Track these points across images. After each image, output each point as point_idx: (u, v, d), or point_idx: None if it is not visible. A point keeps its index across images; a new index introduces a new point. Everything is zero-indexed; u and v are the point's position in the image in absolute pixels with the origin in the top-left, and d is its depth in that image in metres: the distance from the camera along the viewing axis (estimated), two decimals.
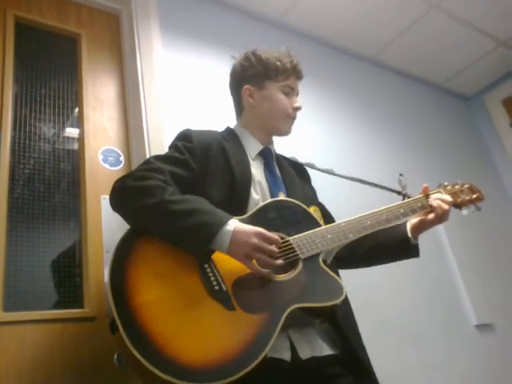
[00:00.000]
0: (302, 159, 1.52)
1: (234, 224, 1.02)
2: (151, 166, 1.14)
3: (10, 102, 1.54)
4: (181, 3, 2.15)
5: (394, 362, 1.91)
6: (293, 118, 1.36)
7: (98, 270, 1.45)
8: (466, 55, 3.02)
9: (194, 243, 1.01)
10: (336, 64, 2.71)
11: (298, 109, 1.35)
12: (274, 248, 1.02)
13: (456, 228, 2.49)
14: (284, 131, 1.37)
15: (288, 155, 1.50)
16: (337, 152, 2.35)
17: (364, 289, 1.73)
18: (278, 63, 1.32)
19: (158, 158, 1.19)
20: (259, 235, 1.01)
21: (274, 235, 1.04)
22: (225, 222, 1.01)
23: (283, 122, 1.34)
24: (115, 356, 1.32)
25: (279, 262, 1.04)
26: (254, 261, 1.02)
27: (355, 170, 2.22)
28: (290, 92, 1.34)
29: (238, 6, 2.35)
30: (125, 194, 1.09)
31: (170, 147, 1.26)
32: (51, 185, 1.54)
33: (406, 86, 3.09)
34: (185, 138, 1.24)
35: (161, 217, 1.03)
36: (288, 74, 1.33)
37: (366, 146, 2.53)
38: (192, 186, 1.15)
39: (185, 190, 1.12)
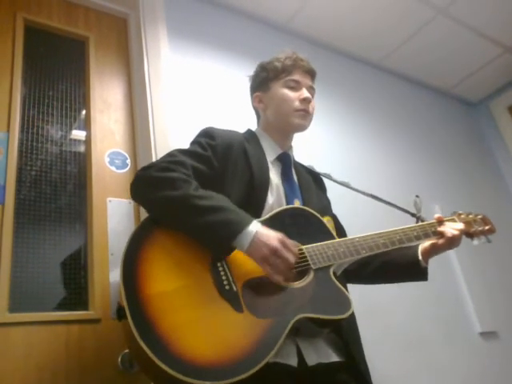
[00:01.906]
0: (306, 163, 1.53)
1: (256, 226, 1.02)
2: (175, 158, 1.14)
3: (18, 104, 1.55)
4: (188, 7, 2.16)
5: (397, 368, 1.90)
6: (303, 110, 1.32)
7: (104, 272, 1.46)
8: (472, 61, 3.02)
9: (215, 239, 1.02)
10: (342, 69, 2.71)
11: (305, 99, 1.31)
12: (291, 257, 1.02)
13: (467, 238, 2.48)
14: (296, 125, 1.34)
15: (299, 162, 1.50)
16: (339, 156, 2.35)
17: (368, 294, 1.73)
18: (278, 63, 1.35)
19: (181, 151, 1.19)
20: (281, 240, 1.02)
21: (295, 246, 1.04)
22: (248, 223, 1.02)
23: (292, 115, 1.32)
24: (119, 358, 1.33)
25: (292, 272, 1.03)
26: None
27: (359, 176, 2.23)
28: (296, 86, 1.33)
29: (245, 10, 2.36)
30: (148, 184, 1.09)
31: (192, 143, 1.26)
32: (58, 187, 1.55)
33: (411, 91, 3.09)
34: (208, 136, 1.25)
35: (184, 210, 1.03)
36: (290, 70, 1.34)
37: (368, 150, 2.53)
38: (212, 183, 1.15)
39: (205, 186, 1.12)
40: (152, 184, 1.09)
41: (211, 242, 1.03)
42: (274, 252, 1.00)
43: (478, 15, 2.61)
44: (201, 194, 1.05)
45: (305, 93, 1.32)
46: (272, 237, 1.01)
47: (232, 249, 1.03)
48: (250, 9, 2.36)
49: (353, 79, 2.74)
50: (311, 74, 1.39)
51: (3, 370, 1.19)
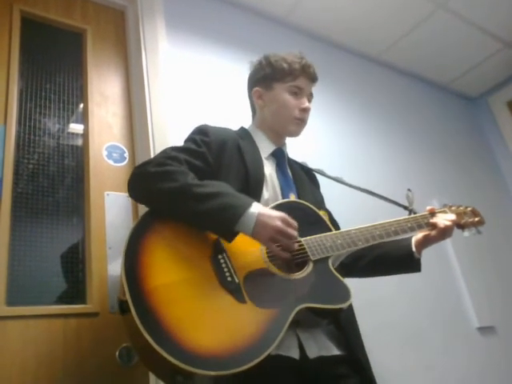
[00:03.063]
0: (305, 161, 1.53)
1: (257, 207, 1.04)
2: (169, 154, 1.16)
3: (15, 97, 1.54)
4: (186, 0, 2.14)
5: (395, 363, 1.91)
6: (300, 119, 1.35)
7: (101, 265, 1.45)
8: (471, 56, 3.01)
9: (219, 224, 1.03)
10: (340, 62, 2.70)
11: (305, 110, 1.34)
12: (294, 233, 1.05)
13: (459, 230, 2.48)
14: (291, 132, 1.37)
15: (294, 158, 1.50)
16: (337, 151, 2.35)
17: (366, 289, 1.73)
18: (285, 65, 1.34)
19: (175, 148, 1.21)
20: (283, 219, 1.05)
21: (294, 221, 1.07)
22: (249, 205, 1.04)
23: (289, 122, 1.34)
24: (117, 352, 1.33)
25: (296, 245, 1.07)
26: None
27: (357, 170, 2.23)
28: (299, 92, 1.34)
29: (244, 3, 2.34)
30: (146, 179, 1.11)
31: (186, 140, 1.27)
32: (55, 180, 1.54)
33: (410, 86, 3.08)
34: (202, 133, 1.26)
35: (185, 199, 1.05)
36: (296, 75, 1.34)
37: (367, 146, 2.52)
38: (207, 179, 1.15)
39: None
40: (150, 178, 1.10)
41: (214, 227, 1.04)
42: (279, 231, 1.03)
43: (478, 10, 2.60)
44: (199, 183, 1.07)
45: (306, 102, 1.35)
46: (274, 217, 1.04)
47: (235, 233, 1.04)
48: (249, 2, 2.34)
49: (351, 73, 2.73)
50: (315, 81, 1.40)
51: (1, 363, 1.19)
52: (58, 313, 1.33)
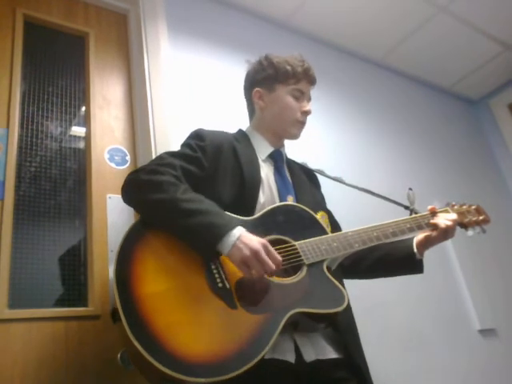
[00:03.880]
0: (307, 162, 1.53)
1: (241, 230, 1.02)
2: (163, 161, 1.15)
3: (18, 100, 1.55)
4: (188, 3, 2.15)
5: (397, 366, 1.91)
6: (302, 122, 1.35)
7: (103, 268, 1.46)
8: (472, 59, 3.02)
9: (201, 242, 1.02)
10: (342, 66, 2.71)
11: (306, 113, 1.34)
12: (271, 264, 0.99)
13: (460, 233, 2.48)
14: (292, 135, 1.36)
15: (295, 159, 1.50)
16: (341, 153, 2.35)
17: (368, 292, 1.73)
18: (289, 67, 1.33)
19: (170, 153, 1.20)
20: (263, 245, 1.00)
21: (278, 256, 1.02)
22: (233, 227, 1.01)
23: (291, 125, 1.34)
24: (119, 355, 1.33)
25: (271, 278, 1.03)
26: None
27: (360, 173, 2.23)
28: (300, 96, 1.34)
29: (246, 6, 2.35)
30: (137, 187, 1.11)
31: (182, 145, 1.27)
32: (57, 183, 1.54)
33: (412, 89, 3.08)
34: (197, 137, 1.25)
35: (171, 213, 1.04)
36: (298, 78, 1.34)
37: (369, 148, 2.53)
38: (202, 184, 1.16)
39: (195, 187, 1.13)
40: (140, 187, 1.10)
41: (197, 244, 1.03)
42: (255, 254, 0.98)
43: (479, 13, 2.61)
44: (188, 198, 1.06)
45: (308, 105, 1.35)
46: (255, 240, 1.00)
47: (216, 253, 1.02)
48: (250, 5, 2.35)
49: (353, 76, 2.74)
50: (314, 84, 1.40)
51: (3, 365, 1.19)
52: (59, 315, 1.33)
